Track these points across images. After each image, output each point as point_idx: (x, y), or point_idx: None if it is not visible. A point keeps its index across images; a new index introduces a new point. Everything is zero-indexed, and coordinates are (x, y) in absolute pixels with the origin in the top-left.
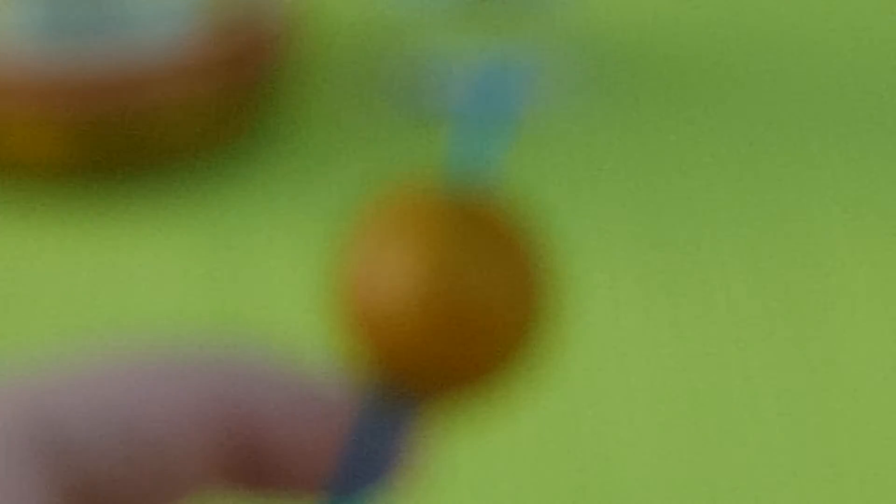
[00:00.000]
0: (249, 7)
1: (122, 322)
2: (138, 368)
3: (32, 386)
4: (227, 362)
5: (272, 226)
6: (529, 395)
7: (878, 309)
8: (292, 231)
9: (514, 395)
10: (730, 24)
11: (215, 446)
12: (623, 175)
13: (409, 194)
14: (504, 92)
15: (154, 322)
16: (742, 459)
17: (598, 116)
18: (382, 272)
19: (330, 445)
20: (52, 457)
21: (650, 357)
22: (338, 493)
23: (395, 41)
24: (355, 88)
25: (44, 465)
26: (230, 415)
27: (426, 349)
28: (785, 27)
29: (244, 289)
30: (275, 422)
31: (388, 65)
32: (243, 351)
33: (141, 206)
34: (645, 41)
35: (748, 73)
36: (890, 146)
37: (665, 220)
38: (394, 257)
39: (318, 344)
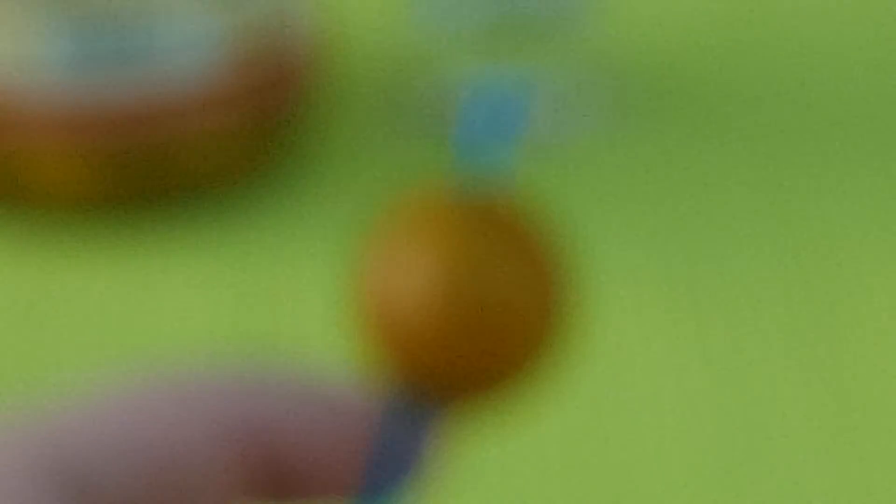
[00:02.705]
0: (274, 37)
1: (151, 352)
2: (155, 396)
3: (50, 426)
4: (247, 380)
5: (299, 255)
6: (553, 399)
7: None
8: (319, 260)
9: (537, 396)
10: (750, 44)
11: (239, 464)
12: (648, 194)
13: (423, 199)
14: (502, 108)
15: (182, 352)
16: (767, 473)
17: (622, 137)
18: (400, 277)
19: (351, 454)
20: (74, 495)
21: (676, 371)
22: (364, 497)
23: (420, 68)
24: (380, 116)
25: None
26: (251, 432)
27: (446, 352)
28: (806, 48)
29: (272, 318)
30: (295, 435)
31: (413, 92)
32: (264, 368)
33: (169, 236)
34: (667, 62)
35: (769, 91)
36: None
37: (690, 238)
38: (411, 261)
39: (343, 358)
